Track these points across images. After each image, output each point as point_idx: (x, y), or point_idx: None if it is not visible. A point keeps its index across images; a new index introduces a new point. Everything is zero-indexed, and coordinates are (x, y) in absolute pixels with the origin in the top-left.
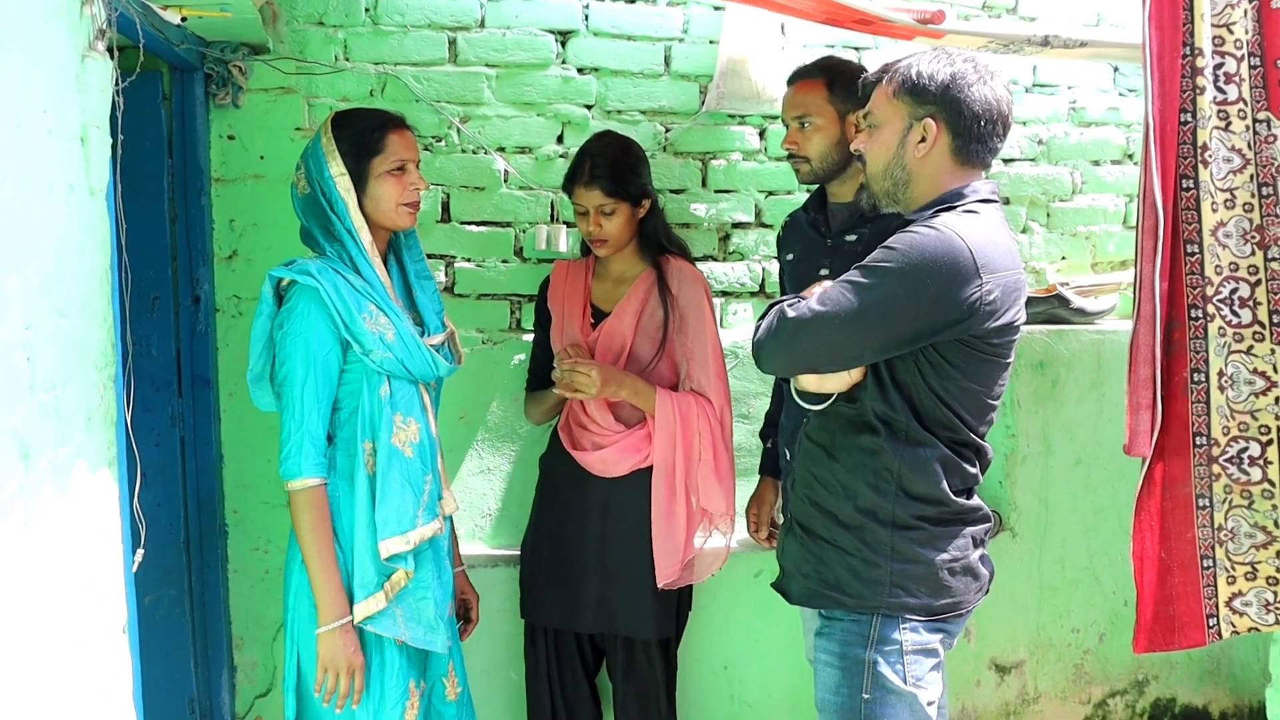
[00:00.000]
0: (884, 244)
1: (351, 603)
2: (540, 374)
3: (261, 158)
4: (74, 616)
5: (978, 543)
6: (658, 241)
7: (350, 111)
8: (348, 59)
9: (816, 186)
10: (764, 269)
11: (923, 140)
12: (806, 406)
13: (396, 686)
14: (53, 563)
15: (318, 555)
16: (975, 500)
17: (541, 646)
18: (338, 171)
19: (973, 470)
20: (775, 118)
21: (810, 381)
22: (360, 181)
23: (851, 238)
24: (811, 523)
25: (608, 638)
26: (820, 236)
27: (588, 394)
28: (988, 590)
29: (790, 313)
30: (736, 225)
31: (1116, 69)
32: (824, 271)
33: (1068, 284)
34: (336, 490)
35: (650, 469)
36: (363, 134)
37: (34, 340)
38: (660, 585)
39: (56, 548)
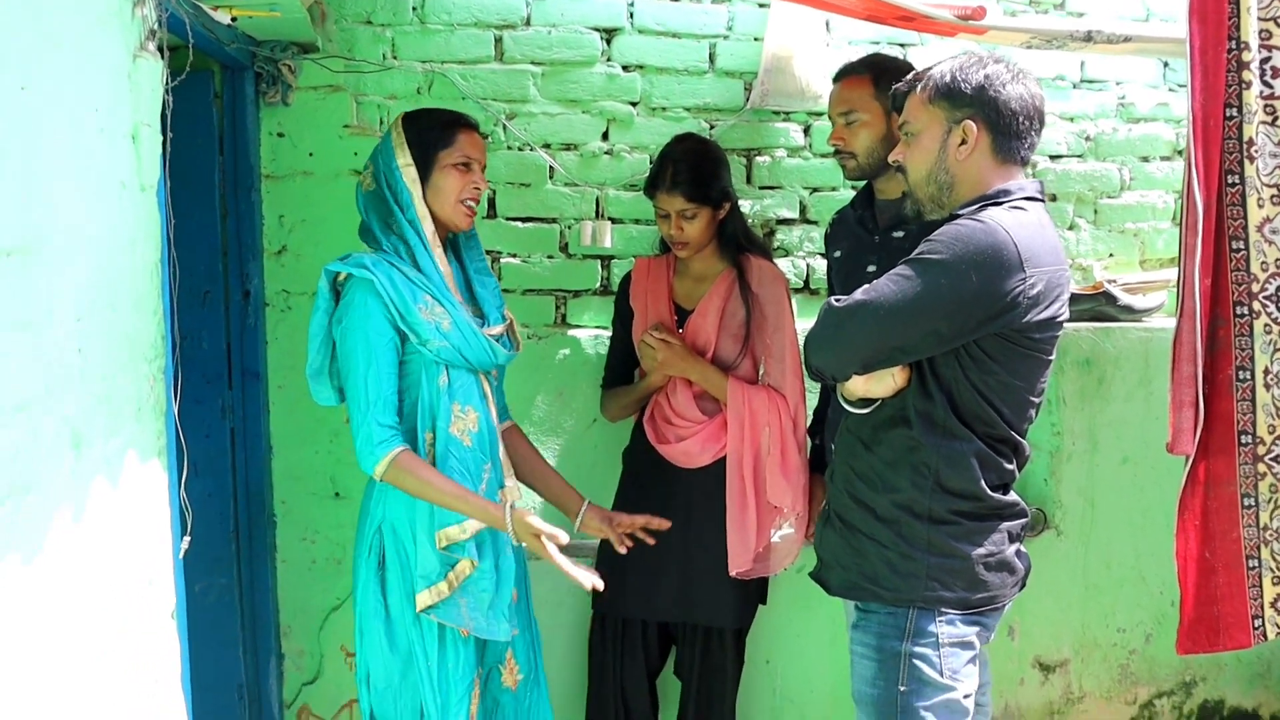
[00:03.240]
0: (929, 237)
1: (414, 592)
2: (619, 369)
3: (310, 155)
4: (124, 602)
5: (1014, 538)
6: (737, 242)
7: (421, 110)
8: (395, 57)
9: (864, 183)
10: (808, 265)
11: (963, 142)
12: (853, 411)
13: (463, 680)
14: (103, 549)
15: (447, 495)
16: (1012, 496)
17: (610, 639)
18: (404, 162)
19: (1010, 467)
20: (820, 114)
21: (858, 386)
22: (425, 172)
23: (899, 234)
24: (850, 515)
25: (684, 628)
26: (868, 233)
27: (651, 362)
28: (1024, 584)
29: (837, 304)
30: (781, 222)
31: (1166, 64)
32: (871, 268)
33: (1115, 281)
34: None
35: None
36: (434, 127)
37: (85, 332)
38: (732, 574)
39: (107, 534)
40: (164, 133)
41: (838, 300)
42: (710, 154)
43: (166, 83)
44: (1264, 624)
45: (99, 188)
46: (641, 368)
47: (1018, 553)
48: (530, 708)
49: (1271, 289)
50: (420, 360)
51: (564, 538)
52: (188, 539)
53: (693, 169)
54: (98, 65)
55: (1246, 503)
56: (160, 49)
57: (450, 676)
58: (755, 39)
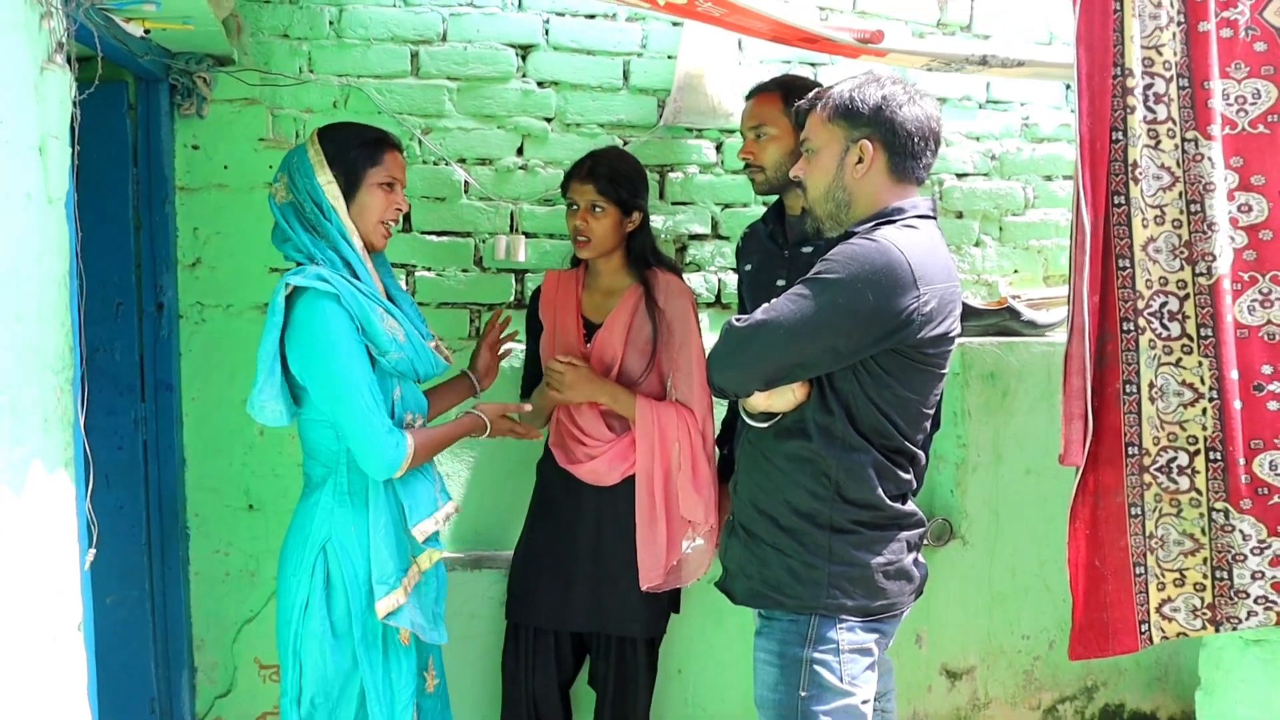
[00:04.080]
0: (825, 257)
1: (365, 606)
2: (532, 382)
3: (225, 167)
4: (28, 613)
5: (912, 547)
6: (645, 257)
7: (339, 125)
8: (311, 71)
9: (775, 199)
10: (720, 280)
11: (860, 161)
12: (755, 425)
13: (407, 688)
14: (6, 559)
15: (447, 440)
16: (910, 506)
17: (523, 649)
18: (325, 180)
19: (906, 476)
20: (732, 131)
21: (759, 401)
22: (351, 189)
23: (808, 249)
24: (753, 525)
25: (597, 638)
26: (778, 248)
27: (559, 390)
28: (920, 592)
29: (738, 324)
30: (693, 237)
31: (1069, 87)
32: (780, 282)
33: (1019, 297)
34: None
35: None
36: (362, 145)
37: None
38: (643, 588)
39: (10, 545)
40: (73, 145)
41: (739, 320)
42: (632, 163)
43: (75, 95)
44: (1150, 629)
45: (4, 200)
46: (548, 385)
47: (915, 561)
48: (442, 712)
49: (1156, 305)
50: (377, 373)
51: (528, 406)
52: (93, 551)
53: (611, 166)
54: (2, 78)
55: (1134, 512)
56: (69, 60)
57: (395, 686)
58: (669, 57)
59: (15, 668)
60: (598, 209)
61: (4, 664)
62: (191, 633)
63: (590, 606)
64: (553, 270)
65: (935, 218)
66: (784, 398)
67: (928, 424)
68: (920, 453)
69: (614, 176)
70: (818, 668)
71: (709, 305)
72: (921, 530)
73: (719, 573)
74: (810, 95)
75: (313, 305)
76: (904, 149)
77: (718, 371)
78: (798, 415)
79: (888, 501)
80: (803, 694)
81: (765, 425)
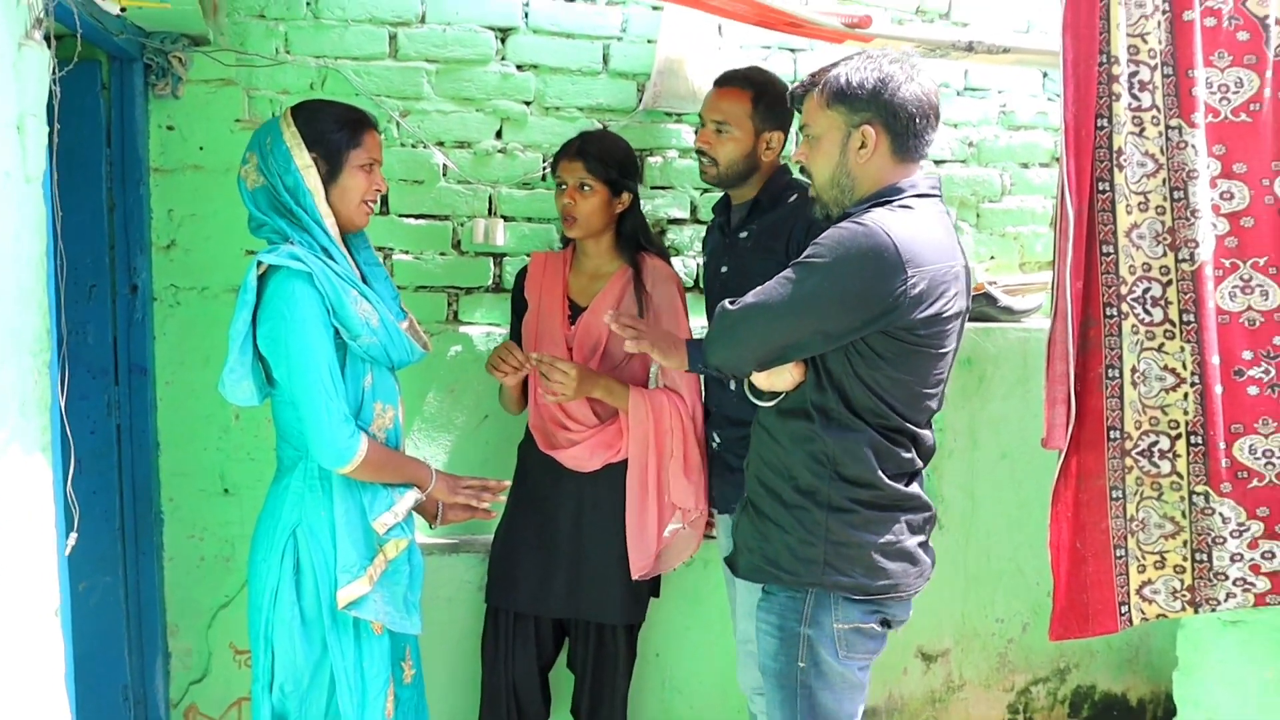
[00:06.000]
0: (815, 240)
1: (332, 591)
2: None
3: (201, 148)
4: (5, 599)
5: (915, 529)
6: (635, 240)
7: (314, 104)
8: (288, 52)
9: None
10: (698, 264)
11: (863, 146)
12: (758, 403)
13: (378, 676)
14: None
15: (399, 469)
16: (914, 489)
17: (503, 632)
18: (304, 163)
19: (908, 456)
20: None
21: (761, 380)
22: (333, 173)
23: (744, 234)
24: (760, 502)
25: (576, 623)
26: (723, 235)
27: (565, 395)
28: (929, 577)
29: (731, 306)
30: (672, 221)
31: (1046, 74)
32: (724, 269)
33: (996, 283)
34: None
35: (622, 463)
36: (343, 125)
37: None
38: (634, 578)
39: None
40: (51, 124)
41: (731, 303)
42: (622, 144)
43: (54, 73)
44: (1130, 610)
45: None
46: (542, 388)
47: (922, 545)
48: (420, 703)
49: (1139, 291)
50: (347, 358)
51: (498, 483)
52: (74, 536)
53: (600, 146)
54: None
55: (1115, 495)
56: (47, 38)
57: (366, 674)
58: (649, 41)
59: None
60: (586, 187)
61: None
62: (165, 619)
63: (570, 593)
64: (540, 251)
65: (937, 195)
66: (783, 377)
67: (932, 403)
68: (923, 432)
69: (603, 156)
70: (815, 643)
71: (688, 290)
72: (927, 515)
73: (697, 557)
74: (807, 77)
75: (285, 284)
76: (906, 129)
77: (713, 352)
78: (799, 395)
79: (887, 481)
80: (800, 665)
81: (770, 405)
